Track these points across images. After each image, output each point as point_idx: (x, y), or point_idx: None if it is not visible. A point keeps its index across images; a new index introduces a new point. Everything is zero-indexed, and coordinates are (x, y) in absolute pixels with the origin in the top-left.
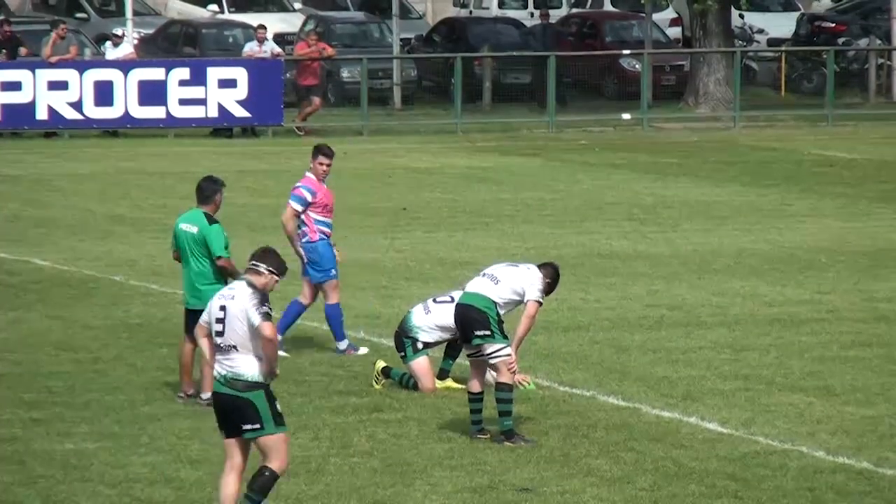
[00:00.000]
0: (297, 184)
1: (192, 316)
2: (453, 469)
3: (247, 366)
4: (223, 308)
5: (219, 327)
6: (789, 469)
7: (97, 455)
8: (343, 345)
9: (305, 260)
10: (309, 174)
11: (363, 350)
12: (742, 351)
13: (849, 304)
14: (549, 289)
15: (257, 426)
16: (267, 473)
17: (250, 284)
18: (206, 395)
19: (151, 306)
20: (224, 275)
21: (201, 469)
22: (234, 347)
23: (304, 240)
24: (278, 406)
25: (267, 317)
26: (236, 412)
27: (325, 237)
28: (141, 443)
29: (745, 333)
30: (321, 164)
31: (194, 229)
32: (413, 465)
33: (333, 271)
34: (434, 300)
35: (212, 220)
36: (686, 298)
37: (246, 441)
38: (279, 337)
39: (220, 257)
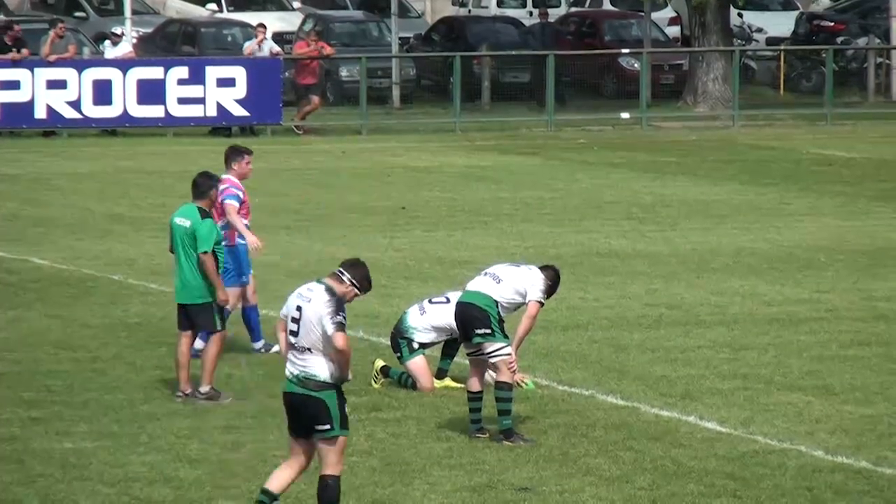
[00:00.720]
0: (223, 186)
1: (184, 311)
2: (452, 468)
3: (320, 366)
4: (299, 308)
5: (293, 327)
6: (788, 468)
7: (96, 454)
8: (258, 344)
9: (255, 251)
10: (228, 176)
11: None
12: (741, 350)
13: (848, 302)
14: (549, 291)
15: (327, 426)
16: (331, 482)
17: (329, 290)
18: (205, 388)
19: (150, 305)
20: (200, 270)
21: (200, 468)
22: (309, 349)
23: (223, 243)
24: (347, 408)
25: (340, 327)
26: (309, 412)
27: (243, 240)
28: (140, 442)
29: (744, 332)
30: (248, 163)
31: (187, 223)
32: (412, 464)
33: (245, 277)
34: (430, 301)
35: (204, 214)
36: (685, 297)
37: (312, 442)
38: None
39: (204, 252)
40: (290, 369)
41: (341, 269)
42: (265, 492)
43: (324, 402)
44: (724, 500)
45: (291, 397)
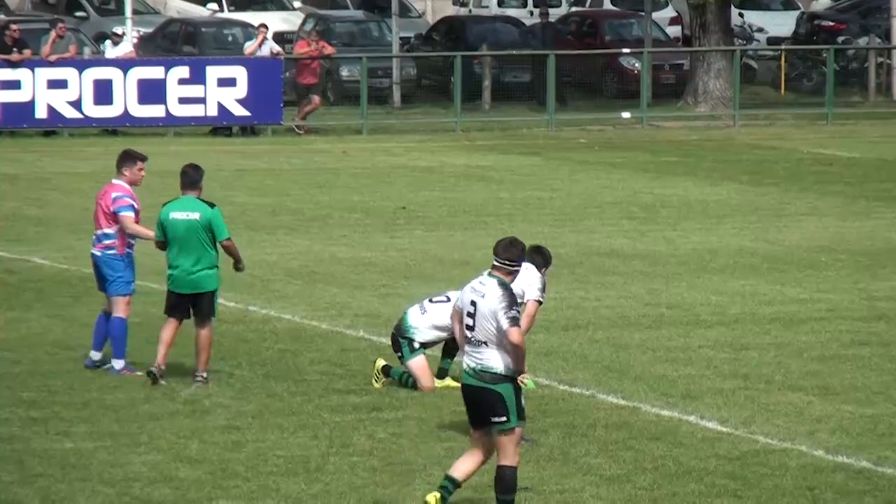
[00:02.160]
0: (116, 194)
1: (186, 300)
2: None
3: (496, 359)
4: (473, 304)
5: (469, 322)
6: (789, 468)
7: (96, 454)
8: (119, 364)
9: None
10: (119, 182)
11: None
12: (741, 350)
13: (848, 302)
14: (544, 265)
15: (504, 418)
16: (508, 472)
17: (502, 283)
18: (204, 373)
19: (150, 305)
20: (229, 255)
21: (200, 468)
22: (485, 343)
23: (110, 252)
24: (523, 400)
25: (514, 322)
26: (486, 404)
27: (131, 249)
28: (140, 442)
29: (745, 332)
30: (141, 169)
31: (195, 215)
32: (412, 463)
33: (133, 285)
34: (430, 300)
35: (211, 203)
36: (685, 297)
37: (492, 433)
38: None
39: (227, 239)
40: (468, 362)
41: (499, 259)
42: (449, 478)
43: (500, 395)
44: (724, 500)
45: (469, 390)
